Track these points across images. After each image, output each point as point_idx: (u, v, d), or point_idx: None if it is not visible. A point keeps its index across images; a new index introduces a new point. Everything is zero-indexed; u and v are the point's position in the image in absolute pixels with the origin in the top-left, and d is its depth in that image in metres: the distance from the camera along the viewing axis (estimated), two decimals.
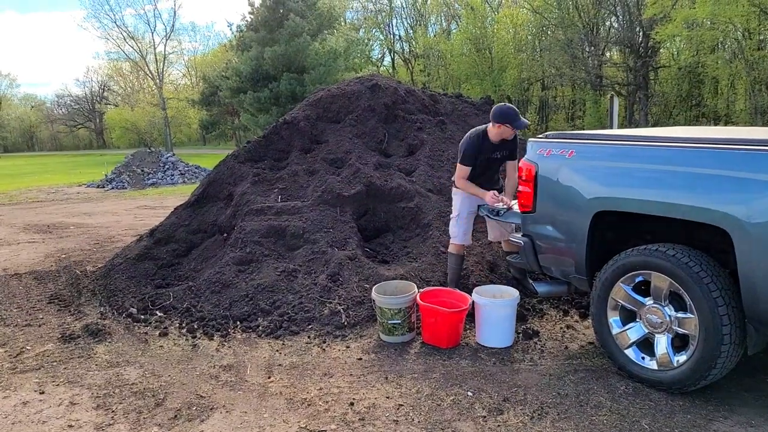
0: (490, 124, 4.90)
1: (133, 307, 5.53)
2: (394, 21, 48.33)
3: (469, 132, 5.06)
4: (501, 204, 4.87)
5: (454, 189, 5.37)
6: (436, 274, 5.53)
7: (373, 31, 47.37)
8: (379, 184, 6.47)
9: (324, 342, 4.68)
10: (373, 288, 4.76)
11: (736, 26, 30.36)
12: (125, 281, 6.09)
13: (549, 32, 38.52)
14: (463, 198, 5.22)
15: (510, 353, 4.36)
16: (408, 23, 48.71)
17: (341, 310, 5.00)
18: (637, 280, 3.77)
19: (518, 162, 4.78)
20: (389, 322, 4.55)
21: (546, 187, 4.23)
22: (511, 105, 4.86)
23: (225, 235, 6.56)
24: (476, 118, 7.80)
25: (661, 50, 36.38)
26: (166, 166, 21.81)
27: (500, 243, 5.95)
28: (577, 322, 4.99)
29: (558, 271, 4.30)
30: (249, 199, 6.49)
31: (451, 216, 5.36)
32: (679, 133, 4.10)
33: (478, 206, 5.07)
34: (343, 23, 36.63)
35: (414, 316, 4.66)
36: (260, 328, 4.94)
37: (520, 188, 4.44)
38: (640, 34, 34.91)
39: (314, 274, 5.51)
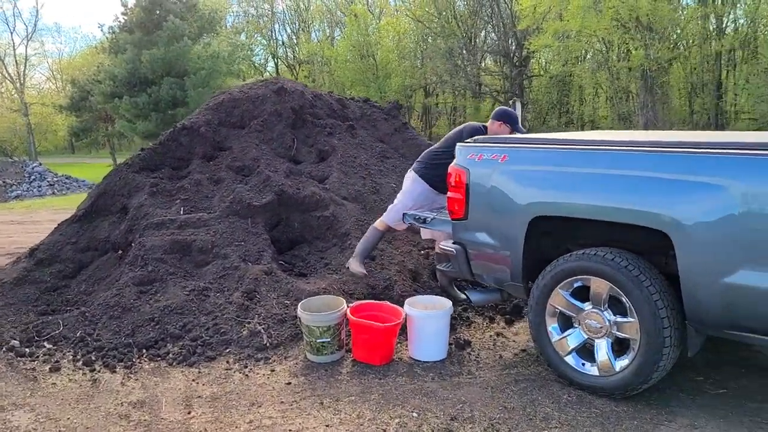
0: (489, 122, 5.08)
1: (14, 339, 4.82)
2: (277, 26, 47.63)
3: (465, 124, 5.18)
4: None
5: (414, 174, 5.16)
6: (359, 287, 5.27)
7: (256, 35, 46.38)
8: (291, 192, 6.13)
9: (246, 367, 4.28)
10: (299, 305, 4.43)
11: (600, 39, 32.66)
12: (2, 309, 5.33)
13: (430, 41, 39.54)
14: (422, 190, 5.12)
15: (446, 366, 4.19)
16: (291, 29, 48.20)
17: (261, 330, 4.62)
18: (575, 286, 3.73)
19: None
20: (318, 340, 4.24)
21: (478, 193, 4.11)
22: (509, 109, 5.02)
23: (120, 252, 5.94)
24: (385, 123, 7.66)
25: (532, 60, 38.44)
26: (32, 177, 20.01)
27: (422, 251, 5.82)
28: (505, 329, 4.93)
29: (492, 278, 4.20)
30: (147, 211, 5.91)
31: (396, 200, 5.23)
32: (600, 136, 4.13)
33: (404, 214, 4.89)
34: (224, 27, 35.49)
35: (344, 332, 4.38)
36: (170, 355, 4.46)
37: (450, 195, 4.30)
38: (514, 44, 36.71)
39: (227, 291, 5.08)
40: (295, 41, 47.66)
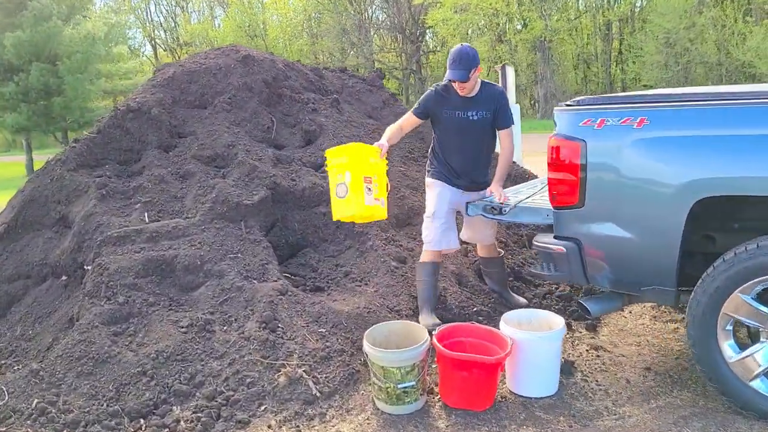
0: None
1: None
2: (152, 6, 44.29)
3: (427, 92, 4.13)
4: (496, 197, 3.70)
5: (428, 179, 4.07)
6: (403, 300, 4.15)
7: (129, 17, 42.73)
8: (286, 185, 4.86)
9: (298, 430, 3.08)
10: (365, 339, 3.25)
11: (498, 11, 32.69)
12: None
13: (323, 19, 38.05)
14: (441, 189, 4.02)
15: (569, 402, 3.20)
16: (168, 10, 45.02)
17: (304, 374, 3.41)
18: (762, 288, 2.81)
19: (511, 130, 4.01)
20: (399, 386, 3.10)
21: (602, 172, 3.11)
22: (461, 47, 3.80)
23: (66, 278, 4.45)
24: (371, 96, 6.47)
25: (428, 35, 38.04)
26: None
27: (468, 246, 4.77)
28: (594, 338, 4.00)
29: (619, 282, 3.22)
30: (100, 221, 4.45)
31: (424, 215, 4.05)
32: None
33: (467, 204, 3.79)
34: (95, 9, 32.12)
35: (426, 370, 3.26)
36: (182, 424, 3.16)
37: (555, 176, 3.26)
38: (410, 19, 36.11)
39: (237, 322, 3.80)
40: (173, 23, 44.62)
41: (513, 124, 4.03)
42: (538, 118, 30.69)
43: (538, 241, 3.43)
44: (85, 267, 4.25)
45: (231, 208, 4.52)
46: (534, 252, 4.77)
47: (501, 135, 4.01)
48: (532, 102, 37.12)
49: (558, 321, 3.36)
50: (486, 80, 4.01)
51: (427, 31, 37.03)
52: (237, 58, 5.73)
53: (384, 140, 4.02)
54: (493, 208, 3.67)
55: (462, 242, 4.45)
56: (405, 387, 3.10)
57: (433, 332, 3.28)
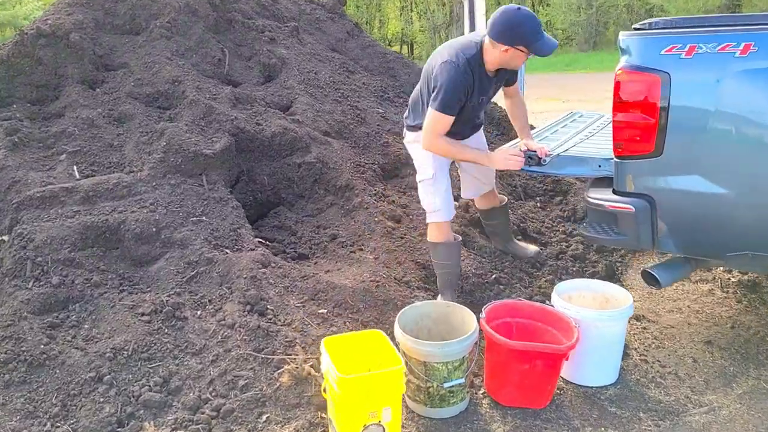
0: (487, 42, 2.86)
1: None
2: None
3: (450, 55, 2.89)
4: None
5: (411, 133, 3.28)
6: (409, 269, 3.49)
7: None
8: (251, 130, 4.00)
9: None
10: (397, 327, 2.56)
11: None
12: None
13: None
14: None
15: (640, 393, 2.67)
16: None
17: (312, 371, 2.69)
18: None
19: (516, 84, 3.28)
20: (446, 385, 2.45)
21: (691, 112, 2.51)
22: (526, 10, 2.81)
23: None
24: (333, 25, 5.59)
25: None
26: None
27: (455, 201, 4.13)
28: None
29: (700, 247, 2.69)
30: (15, 177, 3.44)
31: (417, 179, 3.29)
32: None
33: (527, 156, 3.04)
34: None
35: (473, 363, 2.63)
36: None
37: (623, 118, 2.64)
38: None
39: (212, 304, 3.02)
40: None
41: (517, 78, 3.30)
42: None
43: (593, 198, 2.82)
44: (2, 239, 3.27)
45: (187, 159, 3.63)
46: (583, 210, 4.25)
47: (510, 90, 3.28)
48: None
49: (622, 294, 2.81)
50: None
51: None
52: None
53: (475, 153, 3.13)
54: (530, 158, 3.01)
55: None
56: (452, 385, 2.47)
57: (481, 315, 2.63)
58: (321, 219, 3.93)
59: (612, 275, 3.74)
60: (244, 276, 3.09)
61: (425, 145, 3.00)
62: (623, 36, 2.68)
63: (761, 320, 3.21)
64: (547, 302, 2.86)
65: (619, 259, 3.98)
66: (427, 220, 3.26)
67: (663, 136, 2.56)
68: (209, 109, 3.95)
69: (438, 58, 2.93)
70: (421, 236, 3.71)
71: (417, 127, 3.12)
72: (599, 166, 2.90)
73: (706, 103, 2.47)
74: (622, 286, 3.58)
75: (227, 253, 3.26)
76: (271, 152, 4.05)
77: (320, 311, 3.05)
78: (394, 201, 4.02)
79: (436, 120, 2.88)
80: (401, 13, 39.12)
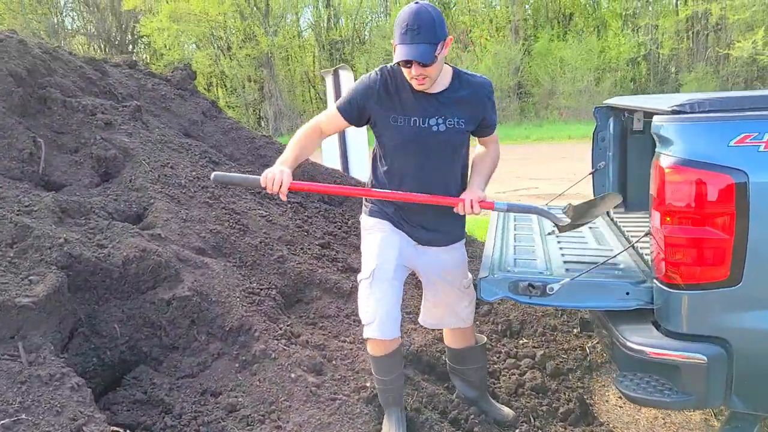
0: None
1: None
2: None
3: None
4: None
5: (364, 218, 2.56)
6: None
7: None
8: (91, 256, 2.71)
9: None
10: None
11: (222, 24, 31.15)
12: None
13: (6, 18, 32.03)
14: (385, 235, 2.48)
15: None
16: None
17: None
18: None
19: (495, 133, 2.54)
20: None
21: None
22: (420, 6, 2.17)
23: None
24: (183, 103, 4.43)
25: (140, 45, 34.70)
26: None
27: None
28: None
29: None
30: None
31: (359, 276, 2.48)
32: None
33: (528, 284, 2.18)
34: None
35: None
36: None
37: (679, 232, 1.94)
38: (115, 26, 32.55)
39: None
40: None
41: (496, 125, 2.57)
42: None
43: (633, 342, 2.03)
44: None
45: None
46: (519, 322, 3.44)
47: (485, 141, 2.57)
48: (260, 120, 36.00)
49: None
50: (462, 69, 2.44)
51: (139, 40, 33.64)
52: None
53: (284, 165, 2.32)
54: (530, 286, 2.17)
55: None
56: None
57: None
58: (207, 379, 2.72)
59: (586, 411, 2.99)
60: None
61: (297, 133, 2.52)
62: (663, 120, 1.99)
63: None
64: None
65: (585, 385, 3.26)
66: (364, 331, 2.41)
67: (742, 258, 1.87)
68: (21, 229, 2.62)
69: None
70: (358, 392, 2.68)
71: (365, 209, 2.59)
72: (627, 293, 2.14)
73: None
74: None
75: None
76: (123, 287, 2.79)
77: None
78: (308, 341, 2.94)
79: (327, 110, 2.56)
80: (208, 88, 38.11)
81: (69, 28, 33.64)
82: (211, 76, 37.24)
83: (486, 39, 26.55)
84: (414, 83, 2.25)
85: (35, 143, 3.22)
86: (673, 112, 1.99)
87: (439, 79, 2.31)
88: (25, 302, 2.36)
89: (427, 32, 2.12)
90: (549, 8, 26.68)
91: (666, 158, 1.92)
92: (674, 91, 20.48)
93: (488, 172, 2.49)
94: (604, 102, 3.37)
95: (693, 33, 22.49)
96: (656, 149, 1.98)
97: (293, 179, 2.27)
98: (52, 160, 3.27)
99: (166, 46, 30.37)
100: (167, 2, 28.39)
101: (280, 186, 2.21)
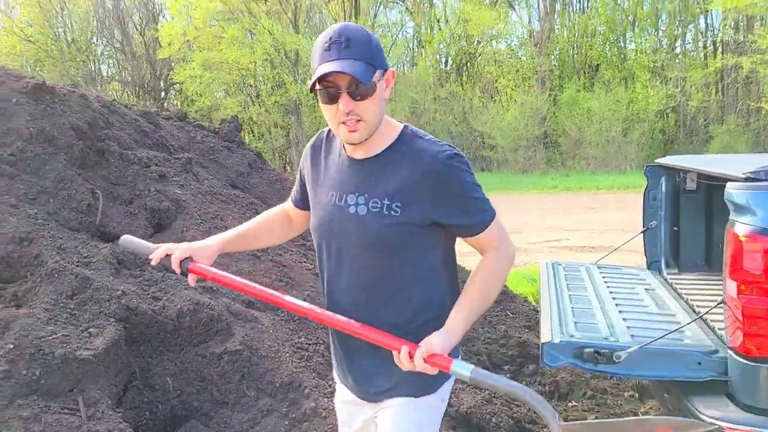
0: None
1: None
2: None
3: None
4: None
5: None
6: None
7: None
8: (147, 309, 2.74)
9: None
10: None
11: (253, 72, 31.99)
12: None
13: (45, 67, 33.29)
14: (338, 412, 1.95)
15: None
16: None
17: None
18: None
19: (496, 233, 1.63)
20: None
21: None
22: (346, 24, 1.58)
23: None
24: (231, 156, 4.53)
25: (172, 93, 35.71)
26: None
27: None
28: None
29: None
30: None
31: None
32: None
33: (593, 351, 2.08)
34: None
35: None
36: None
37: (759, 303, 1.90)
38: (149, 74, 33.62)
39: None
40: None
41: (491, 219, 1.62)
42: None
43: (714, 419, 1.97)
44: None
45: (51, 369, 2.29)
46: (568, 385, 3.38)
47: (474, 244, 1.67)
48: (286, 165, 36.51)
49: None
50: (420, 131, 1.65)
51: (172, 87, 34.73)
52: (22, 87, 3.41)
53: (210, 240, 1.87)
54: (596, 353, 2.13)
55: None
56: None
57: None
58: None
59: None
60: None
61: None
62: (737, 188, 1.98)
63: None
64: None
65: None
66: None
67: None
68: (81, 281, 2.66)
69: None
70: None
71: None
72: (698, 363, 2.09)
73: None
74: None
75: None
76: (176, 340, 2.80)
77: None
78: None
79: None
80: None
81: (105, 75, 34.96)
82: (239, 122, 38.23)
83: (512, 89, 26.82)
84: (342, 132, 1.54)
85: (93, 195, 3.30)
86: (747, 180, 1.98)
87: (380, 136, 1.59)
88: (86, 355, 2.38)
89: (359, 47, 1.48)
90: (575, 59, 26.96)
91: (742, 226, 1.90)
92: (705, 143, 20.41)
93: (473, 303, 1.58)
94: (655, 161, 3.36)
95: (723, 85, 22.52)
96: (730, 217, 1.96)
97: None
98: (108, 211, 3.35)
99: (197, 93, 31.27)
100: (200, 51, 29.40)
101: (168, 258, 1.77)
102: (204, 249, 1.79)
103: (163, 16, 32.97)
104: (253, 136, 38.51)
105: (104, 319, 2.57)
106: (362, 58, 1.48)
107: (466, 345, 3.81)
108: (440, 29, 30.59)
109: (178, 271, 1.78)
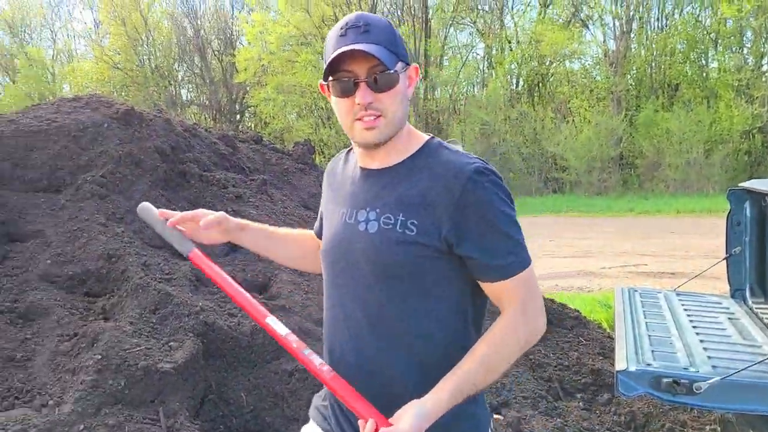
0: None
1: None
2: None
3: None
4: None
5: None
6: None
7: None
8: (223, 325, 2.85)
9: None
10: None
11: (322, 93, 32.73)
12: None
13: (130, 93, 35.19)
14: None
15: None
16: None
17: None
18: None
19: (522, 283, 1.29)
20: None
21: None
22: (361, 13, 1.32)
23: None
24: (303, 177, 4.67)
25: (246, 115, 36.91)
26: None
27: None
28: None
29: None
30: None
31: None
32: None
33: (672, 380, 2.04)
34: None
35: None
36: None
37: None
38: (226, 97, 34.91)
39: None
40: None
41: (519, 270, 1.28)
42: None
43: None
44: None
45: (135, 380, 2.40)
46: (644, 416, 3.27)
47: (492, 293, 1.33)
48: None
49: None
50: (447, 143, 1.40)
51: (247, 110, 36.04)
52: (112, 113, 3.64)
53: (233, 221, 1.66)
54: (674, 382, 2.05)
55: None
56: None
57: None
58: None
59: None
60: None
61: None
62: None
63: None
64: None
65: None
66: None
67: None
68: (164, 296, 2.79)
69: None
70: None
71: None
72: None
73: None
74: None
75: None
76: (250, 356, 2.89)
77: None
78: None
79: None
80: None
81: (184, 99, 36.68)
82: (311, 144, 39.18)
83: (585, 109, 26.23)
84: (357, 130, 1.31)
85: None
86: None
87: (401, 144, 1.36)
88: (167, 368, 2.48)
89: (380, 33, 1.28)
90: (653, 79, 26.14)
91: None
92: None
93: (469, 375, 1.23)
94: (739, 184, 3.23)
95: None
96: None
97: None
98: None
99: (271, 116, 32.31)
100: (274, 75, 30.44)
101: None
102: (228, 220, 1.62)
103: (240, 42, 34.31)
104: (324, 157, 39.40)
105: (183, 334, 2.69)
106: (384, 43, 1.27)
107: (537, 371, 3.73)
108: (511, 50, 30.38)
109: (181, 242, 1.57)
